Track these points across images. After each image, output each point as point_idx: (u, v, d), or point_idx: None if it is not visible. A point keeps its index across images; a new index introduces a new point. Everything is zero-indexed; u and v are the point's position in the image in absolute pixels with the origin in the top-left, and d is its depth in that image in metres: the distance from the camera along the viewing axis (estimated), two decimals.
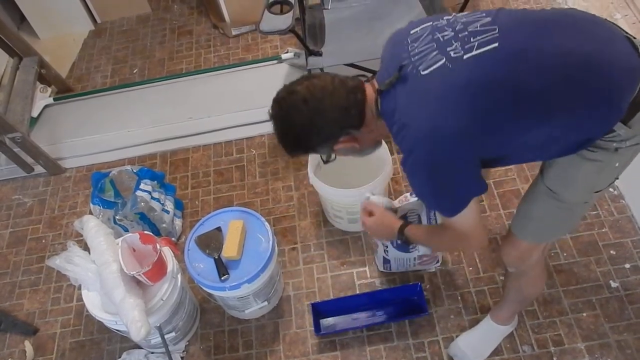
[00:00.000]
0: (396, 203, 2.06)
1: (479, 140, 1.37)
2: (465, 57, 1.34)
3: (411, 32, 1.48)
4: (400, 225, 1.81)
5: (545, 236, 1.70)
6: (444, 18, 1.47)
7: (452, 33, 1.40)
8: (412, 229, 1.79)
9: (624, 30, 1.41)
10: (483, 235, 1.59)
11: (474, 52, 1.34)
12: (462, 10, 2.53)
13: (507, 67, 1.32)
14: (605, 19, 1.44)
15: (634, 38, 1.39)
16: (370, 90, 1.50)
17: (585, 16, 1.43)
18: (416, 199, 2.00)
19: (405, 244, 1.91)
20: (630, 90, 1.33)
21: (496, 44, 1.33)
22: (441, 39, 1.40)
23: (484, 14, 1.42)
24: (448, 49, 1.37)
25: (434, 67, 1.36)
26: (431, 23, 1.47)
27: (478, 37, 1.36)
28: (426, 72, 1.37)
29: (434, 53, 1.38)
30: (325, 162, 1.69)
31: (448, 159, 1.38)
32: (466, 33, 1.38)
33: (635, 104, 1.34)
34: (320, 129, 1.47)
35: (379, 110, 1.48)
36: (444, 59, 1.36)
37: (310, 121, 1.45)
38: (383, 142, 2.38)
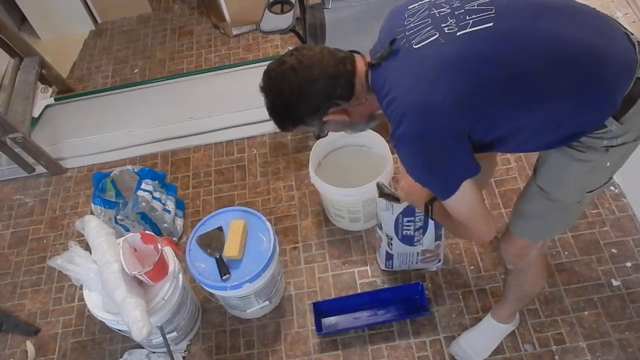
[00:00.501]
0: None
1: (468, 116, 1.35)
2: (458, 33, 1.33)
3: (409, 7, 1.48)
4: (432, 197, 1.80)
5: (540, 234, 1.70)
6: None
7: (449, 10, 1.39)
8: (438, 205, 1.75)
9: (622, 26, 1.41)
10: (485, 226, 1.53)
11: (468, 30, 1.33)
12: None
13: (499, 47, 1.32)
14: (606, 14, 1.43)
15: (632, 34, 1.39)
16: (361, 63, 1.50)
17: (585, 9, 1.42)
18: None
19: (425, 216, 1.91)
20: (625, 85, 1.33)
21: (491, 24, 1.32)
22: (437, 15, 1.40)
23: None
24: (442, 25, 1.37)
25: (427, 41, 1.36)
26: (430, 0, 1.46)
27: (474, 16, 1.35)
28: (418, 46, 1.37)
29: (428, 28, 1.38)
30: (317, 137, 1.68)
31: (436, 133, 1.35)
32: (462, 11, 1.37)
33: (629, 100, 1.33)
34: (309, 98, 1.45)
35: (369, 84, 1.48)
36: (437, 34, 1.35)
37: (298, 90, 1.44)
38: (384, 141, 2.39)
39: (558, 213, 1.59)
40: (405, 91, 1.37)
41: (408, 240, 2.20)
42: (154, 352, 2.33)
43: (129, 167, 2.62)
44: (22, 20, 4.06)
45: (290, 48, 3.29)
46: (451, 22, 1.36)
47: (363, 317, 2.35)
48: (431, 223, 2.13)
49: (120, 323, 1.98)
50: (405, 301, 2.35)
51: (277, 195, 2.82)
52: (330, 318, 2.36)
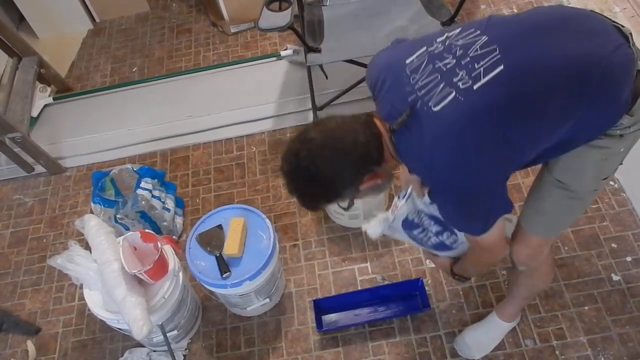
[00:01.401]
0: (389, 215, 1.88)
1: (504, 162, 1.37)
2: (475, 87, 1.30)
3: (407, 61, 1.42)
4: (450, 267, 1.88)
5: (557, 228, 1.71)
6: (437, 40, 1.42)
7: (454, 60, 1.36)
8: (456, 267, 1.86)
9: (611, 20, 1.42)
10: (504, 245, 1.63)
11: (483, 81, 1.30)
12: (459, 7, 2.52)
13: (517, 88, 1.31)
14: (591, 10, 1.44)
15: (622, 26, 1.40)
16: (379, 123, 1.45)
17: (578, 12, 1.43)
18: (404, 201, 1.88)
19: (463, 280, 1.92)
20: (630, 81, 1.35)
21: (501, 67, 1.30)
22: (444, 68, 1.36)
23: (478, 31, 1.39)
24: (454, 79, 1.33)
25: (446, 102, 1.32)
26: (426, 49, 1.42)
27: (482, 62, 1.32)
28: (438, 108, 1.32)
29: (441, 85, 1.34)
30: (348, 208, 1.60)
31: (478, 189, 1.37)
32: (468, 59, 1.34)
33: (635, 92, 1.35)
34: (346, 171, 1.40)
35: (396, 149, 1.43)
36: (454, 92, 1.31)
37: (335, 165, 1.38)
38: None
39: (575, 204, 1.60)
40: (438, 156, 1.34)
41: (442, 247, 1.94)
42: (154, 351, 2.33)
43: (128, 165, 2.63)
44: (20, 19, 4.06)
45: (290, 46, 3.31)
46: (462, 75, 1.33)
47: (363, 313, 2.35)
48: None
49: (120, 322, 1.98)
50: (405, 297, 2.35)
51: (276, 192, 2.82)
52: (330, 315, 2.37)
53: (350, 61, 2.67)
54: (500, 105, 1.30)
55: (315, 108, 2.97)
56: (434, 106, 1.32)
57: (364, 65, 2.76)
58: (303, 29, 2.80)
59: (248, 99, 3.24)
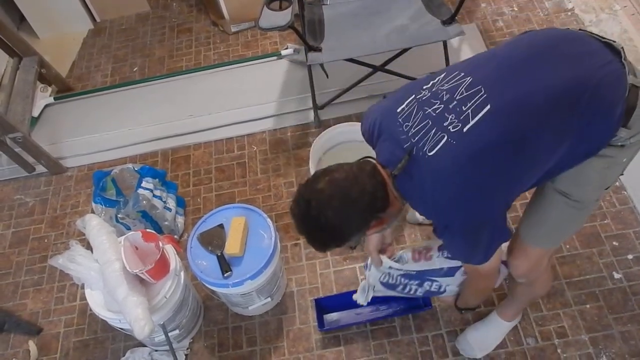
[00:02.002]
0: (365, 284, 2.02)
1: (505, 193, 1.41)
2: (465, 129, 1.34)
3: (398, 110, 1.47)
4: (454, 303, 1.99)
5: (558, 239, 1.73)
6: (423, 88, 1.46)
7: (442, 105, 1.40)
8: (459, 302, 1.97)
9: (601, 37, 1.44)
10: (497, 271, 1.70)
11: (472, 122, 1.34)
12: (460, 5, 2.52)
13: (508, 125, 1.33)
14: (580, 29, 1.47)
15: (614, 42, 1.42)
16: (381, 169, 1.49)
17: (564, 34, 1.46)
18: (368, 270, 1.96)
19: (469, 311, 2.03)
20: (622, 96, 1.36)
21: (489, 106, 1.33)
22: (433, 114, 1.40)
23: (462, 73, 1.42)
24: (445, 123, 1.37)
25: (439, 146, 1.35)
26: (414, 96, 1.46)
27: (469, 104, 1.35)
28: (432, 153, 1.36)
29: (433, 131, 1.38)
30: (354, 247, 1.65)
31: (481, 223, 1.41)
32: (455, 102, 1.38)
33: (629, 107, 1.38)
34: (354, 221, 1.44)
35: (400, 194, 1.48)
36: (446, 136, 1.35)
37: (343, 216, 1.41)
38: None
39: (578, 214, 1.60)
40: (440, 198, 1.39)
41: (432, 294, 1.99)
42: (156, 350, 2.34)
43: (130, 165, 2.63)
44: (21, 19, 4.05)
45: (290, 45, 3.30)
46: (451, 119, 1.36)
47: (365, 312, 2.35)
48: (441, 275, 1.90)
49: (122, 321, 1.98)
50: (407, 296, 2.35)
51: (277, 191, 2.82)
52: (332, 314, 2.37)
53: (351, 60, 2.67)
54: (494, 144, 1.33)
55: (316, 107, 2.97)
56: (429, 151, 1.37)
57: (364, 64, 2.76)
58: (303, 28, 2.80)
59: (249, 98, 3.24)
